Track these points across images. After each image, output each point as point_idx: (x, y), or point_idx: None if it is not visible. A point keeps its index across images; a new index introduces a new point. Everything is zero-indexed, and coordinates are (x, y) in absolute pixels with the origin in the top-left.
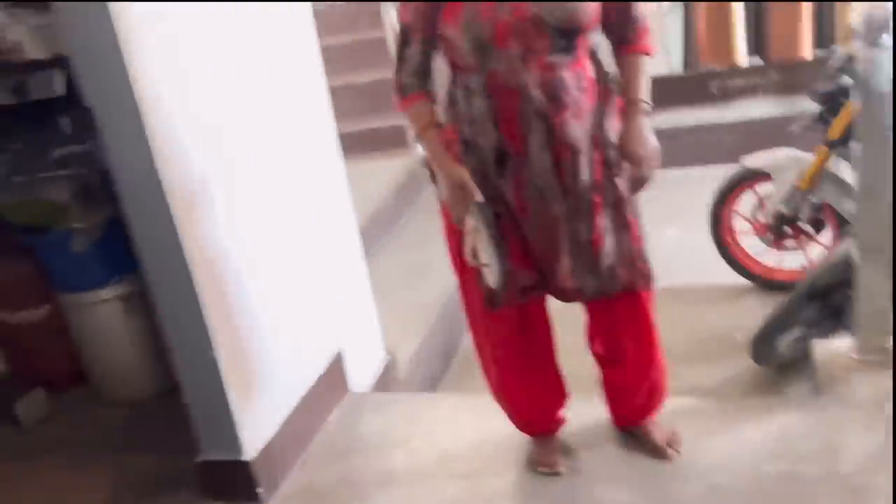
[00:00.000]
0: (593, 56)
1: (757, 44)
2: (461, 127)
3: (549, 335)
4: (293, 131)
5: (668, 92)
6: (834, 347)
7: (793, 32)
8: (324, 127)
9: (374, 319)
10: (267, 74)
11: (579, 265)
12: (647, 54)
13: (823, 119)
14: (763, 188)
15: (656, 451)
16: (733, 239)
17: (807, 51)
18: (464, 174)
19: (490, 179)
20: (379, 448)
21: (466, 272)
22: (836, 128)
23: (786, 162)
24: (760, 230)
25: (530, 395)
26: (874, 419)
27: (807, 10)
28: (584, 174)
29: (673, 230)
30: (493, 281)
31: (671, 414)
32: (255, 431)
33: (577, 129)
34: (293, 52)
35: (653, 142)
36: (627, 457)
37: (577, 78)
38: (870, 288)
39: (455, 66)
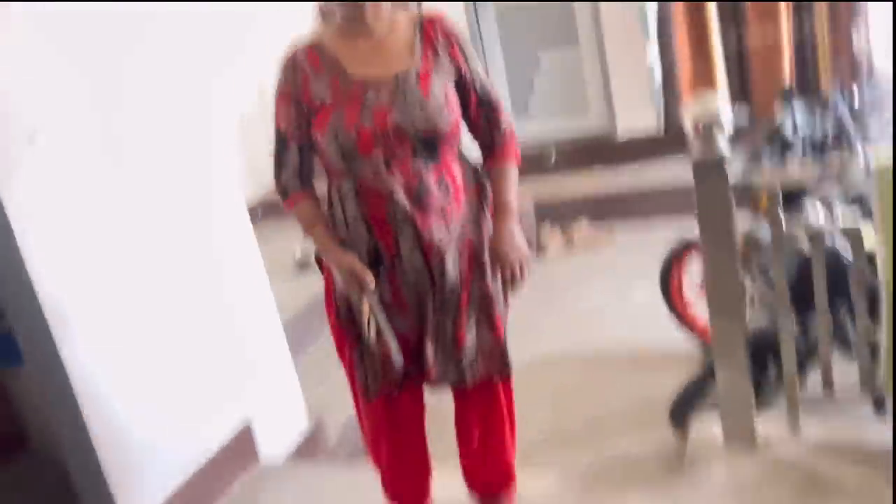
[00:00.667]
0: (462, 159)
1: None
2: (338, 229)
3: (418, 421)
4: (190, 200)
5: (654, 148)
6: (705, 429)
7: (774, 87)
8: (225, 190)
9: (294, 388)
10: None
11: (444, 355)
12: (515, 161)
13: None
14: None
15: None
16: (683, 304)
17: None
18: (354, 261)
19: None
20: None
21: (347, 359)
22: (763, 202)
23: None
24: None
25: (396, 473)
26: None
27: (786, 61)
28: (452, 273)
29: (643, 292)
30: (395, 358)
31: (538, 490)
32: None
33: (444, 231)
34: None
35: (522, 245)
36: None
37: (441, 182)
38: (728, 378)
39: (328, 171)
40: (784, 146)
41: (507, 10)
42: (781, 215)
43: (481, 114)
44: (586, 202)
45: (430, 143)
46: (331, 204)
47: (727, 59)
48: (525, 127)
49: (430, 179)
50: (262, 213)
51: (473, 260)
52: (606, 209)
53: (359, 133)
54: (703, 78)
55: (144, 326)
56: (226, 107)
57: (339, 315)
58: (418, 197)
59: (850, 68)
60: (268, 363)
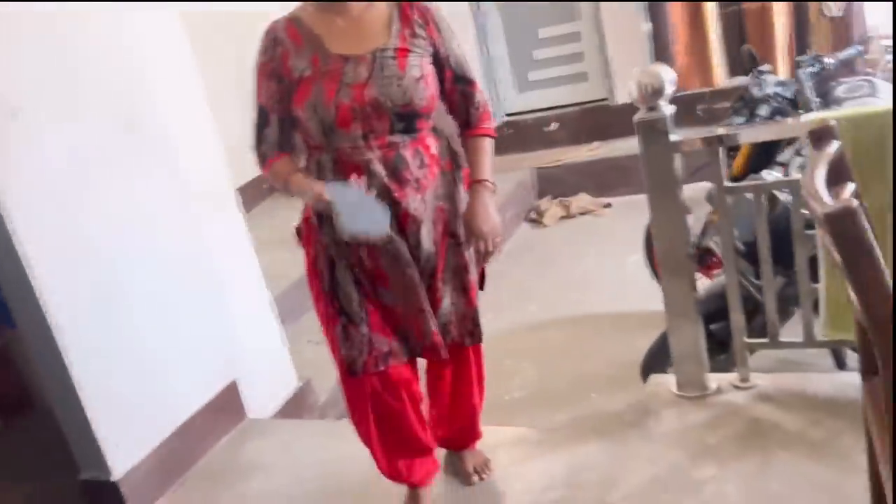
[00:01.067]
0: (437, 133)
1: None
2: None
3: (409, 397)
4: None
5: None
6: (661, 381)
7: (769, 51)
8: (213, 165)
9: (280, 349)
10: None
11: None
12: (490, 137)
13: (727, 155)
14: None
15: (463, 476)
16: None
17: (784, 68)
18: (316, 184)
19: (349, 249)
20: (245, 472)
21: (331, 333)
22: (737, 164)
23: (699, 196)
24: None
25: (388, 454)
26: (661, 454)
27: (781, 27)
28: (427, 242)
29: (635, 258)
30: (379, 231)
31: (500, 440)
32: (122, 454)
33: (419, 202)
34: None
35: (495, 218)
36: (446, 478)
37: (418, 155)
38: (679, 331)
39: (308, 144)
40: (751, 108)
41: None
42: (723, 171)
43: (457, 90)
44: (585, 171)
45: (407, 118)
46: (309, 176)
47: (724, 24)
48: (525, 98)
49: (407, 153)
50: (268, 186)
51: (448, 230)
52: (605, 178)
53: (338, 108)
54: (697, 46)
55: (133, 290)
56: (229, 77)
57: (323, 285)
58: (395, 169)
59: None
60: (255, 327)
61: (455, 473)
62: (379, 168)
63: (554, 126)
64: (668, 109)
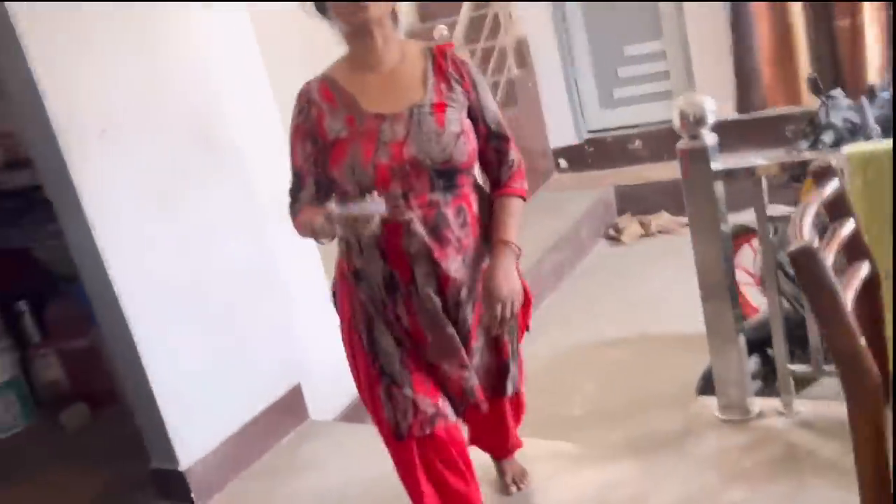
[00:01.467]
0: (477, 188)
1: (837, 81)
2: (353, 259)
3: (461, 459)
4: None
5: (740, 135)
6: (706, 403)
7: (861, 70)
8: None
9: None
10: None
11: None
12: (519, 197)
13: (796, 178)
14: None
15: (502, 485)
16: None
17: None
18: (322, 221)
19: (387, 307)
20: (302, 471)
21: (372, 395)
22: (806, 188)
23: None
24: (757, 281)
25: None
26: (694, 475)
27: (874, 46)
28: (466, 303)
29: None
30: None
31: (540, 453)
32: (190, 447)
33: (459, 261)
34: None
35: (515, 282)
36: (482, 487)
37: (458, 213)
38: (721, 356)
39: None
40: (817, 133)
41: (593, 7)
42: (765, 199)
43: (491, 146)
44: (666, 190)
45: (448, 175)
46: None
47: (814, 40)
48: (609, 115)
49: (448, 210)
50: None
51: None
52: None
53: (376, 168)
54: (785, 64)
55: (204, 295)
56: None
57: (363, 345)
58: (436, 228)
59: None
60: (320, 332)
61: (492, 483)
62: (419, 227)
63: (637, 144)
64: (709, 138)
